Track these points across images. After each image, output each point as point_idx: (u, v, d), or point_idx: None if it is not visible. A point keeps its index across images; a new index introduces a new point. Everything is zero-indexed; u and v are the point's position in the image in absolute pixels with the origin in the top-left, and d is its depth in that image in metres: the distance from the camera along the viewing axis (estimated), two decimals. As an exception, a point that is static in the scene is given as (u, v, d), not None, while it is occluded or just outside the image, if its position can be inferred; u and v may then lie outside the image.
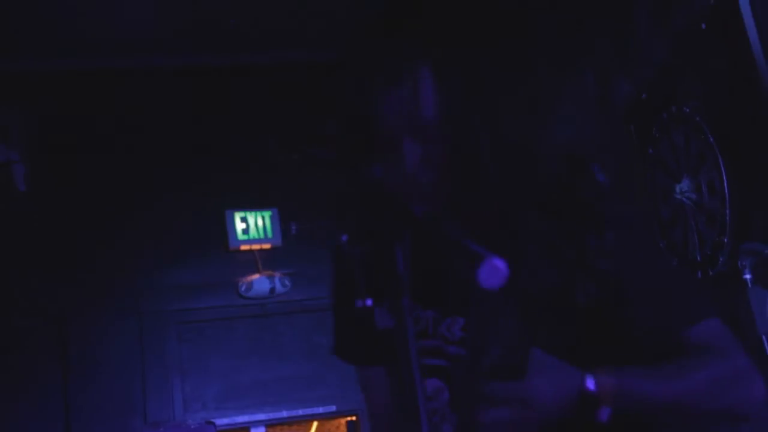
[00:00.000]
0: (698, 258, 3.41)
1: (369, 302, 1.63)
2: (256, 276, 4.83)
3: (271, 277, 4.84)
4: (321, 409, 4.77)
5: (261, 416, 4.68)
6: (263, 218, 4.93)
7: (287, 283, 4.86)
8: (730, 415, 1.48)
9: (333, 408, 4.78)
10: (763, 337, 3.16)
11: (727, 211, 3.32)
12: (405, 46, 1.55)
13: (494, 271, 1.25)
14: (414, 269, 1.34)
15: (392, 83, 1.55)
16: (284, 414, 4.71)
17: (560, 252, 1.47)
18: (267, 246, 4.92)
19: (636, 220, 1.60)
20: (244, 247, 4.89)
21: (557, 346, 1.42)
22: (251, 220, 4.91)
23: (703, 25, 3.36)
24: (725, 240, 3.31)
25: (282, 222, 4.93)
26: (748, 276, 3.13)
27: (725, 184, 3.34)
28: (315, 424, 5.06)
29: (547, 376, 1.37)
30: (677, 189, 3.56)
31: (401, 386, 1.33)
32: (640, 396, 1.39)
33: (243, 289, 4.80)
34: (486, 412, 1.37)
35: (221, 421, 4.54)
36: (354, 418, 4.85)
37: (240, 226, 4.89)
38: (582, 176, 1.53)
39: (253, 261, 4.88)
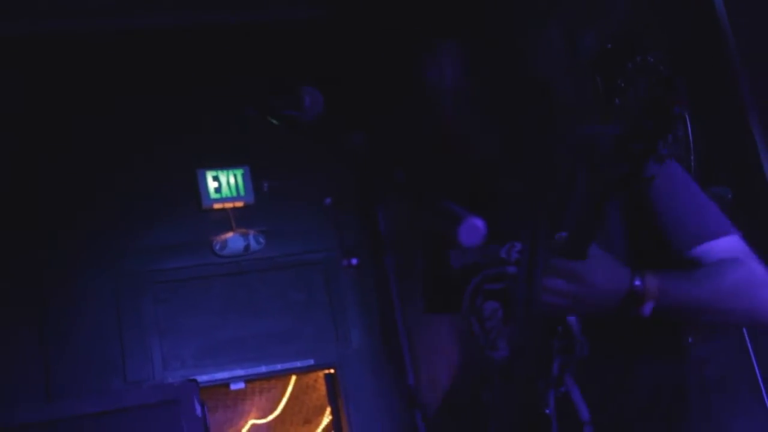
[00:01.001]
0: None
1: (354, 261, 1.78)
2: (230, 234, 4.93)
3: (245, 235, 4.94)
4: (299, 363, 4.90)
5: (240, 372, 4.81)
6: (235, 176, 5.02)
7: (261, 240, 4.97)
8: (751, 318, 1.74)
9: (311, 362, 4.92)
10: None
11: (692, 157, 3.45)
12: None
13: (473, 229, 1.41)
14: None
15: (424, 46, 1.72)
16: (263, 369, 4.84)
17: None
18: (240, 204, 5.02)
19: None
20: (217, 206, 4.98)
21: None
22: (223, 179, 5.00)
23: (665, -23, 3.48)
24: (690, 186, 3.45)
25: (254, 180, 5.02)
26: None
27: (689, 131, 3.47)
28: (293, 377, 5.21)
29: (603, 267, 1.58)
30: (642, 138, 3.68)
31: (388, 334, 1.50)
32: (678, 296, 1.62)
33: (217, 247, 4.91)
34: (548, 279, 1.57)
35: (201, 378, 4.61)
36: (332, 370, 5.00)
37: (212, 184, 4.98)
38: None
39: (226, 219, 4.98)
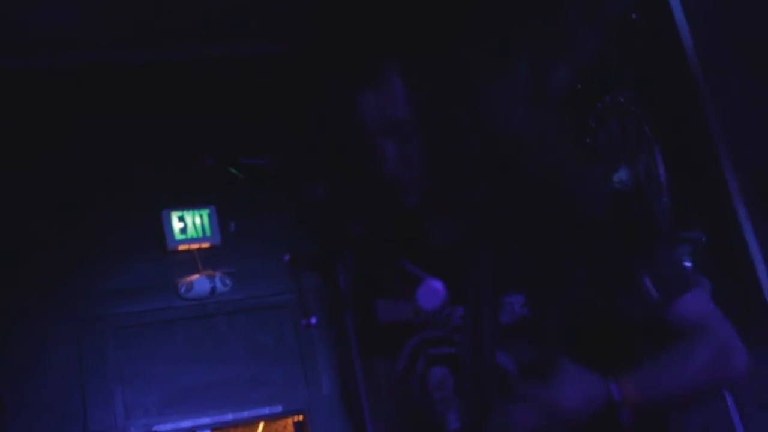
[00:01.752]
0: (637, 246, 3.56)
1: (313, 320, 1.77)
2: (196, 276, 4.89)
3: (211, 277, 4.91)
4: (267, 410, 4.85)
5: (206, 420, 4.75)
6: (201, 217, 4.99)
7: (228, 282, 4.94)
8: (723, 386, 1.77)
9: (279, 408, 4.87)
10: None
11: (665, 199, 3.48)
12: (367, 41, 1.67)
13: (432, 293, 1.38)
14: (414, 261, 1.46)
15: (360, 81, 1.68)
16: (229, 417, 4.79)
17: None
18: (206, 245, 4.99)
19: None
20: (182, 247, 4.95)
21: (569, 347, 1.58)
22: (189, 219, 4.97)
23: (634, 15, 3.52)
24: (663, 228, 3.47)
25: (221, 220, 5.00)
26: (688, 264, 3.29)
27: (661, 172, 3.50)
28: (261, 425, 5.15)
29: (574, 383, 1.50)
30: (615, 178, 3.71)
31: (350, 397, 1.48)
32: (658, 393, 1.55)
33: (183, 290, 4.88)
34: (513, 411, 1.50)
35: (165, 427, 4.61)
36: (301, 417, 4.95)
37: (177, 225, 4.95)
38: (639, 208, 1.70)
39: (192, 261, 4.95)
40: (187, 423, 4.70)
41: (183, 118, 4.99)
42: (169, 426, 4.61)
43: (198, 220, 4.98)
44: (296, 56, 1.82)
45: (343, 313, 1.65)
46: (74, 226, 4.81)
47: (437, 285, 1.38)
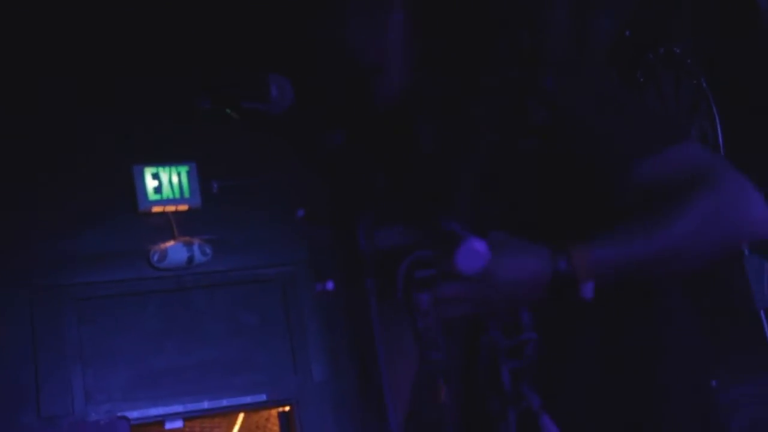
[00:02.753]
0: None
1: (330, 285, 1.72)
2: (170, 243, 4.84)
3: (188, 245, 4.85)
4: (249, 399, 4.82)
5: (178, 408, 4.71)
6: (179, 174, 4.93)
7: (208, 251, 4.88)
8: (732, 246, 1.56)
9: (263, 397, 4.83)
10: (761, 312, 3.29)
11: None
12: None
13: (473, 254, 1.33)
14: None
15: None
16: (205, 405, 4.75)
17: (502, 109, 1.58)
18: (184, 207, 4.93)
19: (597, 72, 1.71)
20: (156, 209, 4.89)
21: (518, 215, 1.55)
22: (164, 177, 4.90)
23: (697, -47, 3.45)
24: (720, 201, 3.42)
25: (201, 179, 4.93)
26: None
27: (719, 136, 3.44)
28: (241, 416, 5.13)
29: (511, 255, 1.46)
30: (665, 142, 3.66)
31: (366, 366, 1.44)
32: (624, 261, 1.47)
33: (156, 258, 4.81)
34: (442, 286, 1.46)
35: (131, 414, 4.57)
36: (287, 408, 4.92)
37: (151, 183, 4.88)
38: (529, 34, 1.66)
39: (167, 225, 4.89)
40: (156, 411, 4.69)
41: (164, 58, 4.89)
42: (136, 413, 4.58)
43: (175, 178, 4.93)
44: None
45: (364, 277, 1.60)
46: (31, 184, 4.73)
47: (479, 246, 1.35)
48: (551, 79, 1.53)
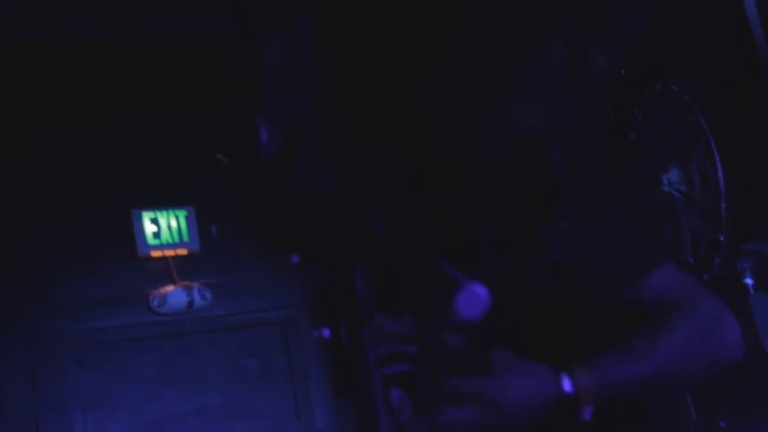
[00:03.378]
0: (691, 260, 3.50)
1: (326, 333, 1.69)
2: (170, 288, 4.81)
3: (188, 289, 4.83)
4: (251, 446, 4.79)
5: (179, 456, 4.69)
6: (177, 218, 4.91)
7: (208, 295, 4.86)
8: (715, 367, 1.60)
9: (266, 444, 4.80)
10: (768, 351, 3.27)
11: (723, 205, 3.41)
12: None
13: (474, 299, 1.31)
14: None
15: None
16: (207, 453, 4.72)
17: (512, 241, 1.59)
18: (183, 252, 4.91)
19: (597, 206, 1.69)
20: (155, 254, 4.87)
21: (520, 341, 1.54)
22: (163, 221, 4.88)
23: (692, -11, 3.44)
24: (721, 238, 3.39)
25: (200, 223, 4.92)
26: (749, 281, 3.23)
27: (720, 174, 3.43)
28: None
29: (517, 377, 1.48)
30: (665, 180, 3.64)
31: (366, 418, 1.41)
32: (621, 382, 1.51)
33: (155, 303, 4.79)
34: (446, 410, 1.47)
35: (132, 463, 4.55)
36: (290, 455, 4.88)
37: (150, 228, 4.86)
38: (535, 159, 1.66)
39: (166, 270, 4.86)
40: (158, 458, 4.64)
41: (160, 104, 4.91)
42: (137, 461, 4.55)
43: (174, 223, 4.91)
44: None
45: (361, 325, 1.58)
46: (30, 229, 4.71)
47: (480, 290, 1.32)
48: (566, 221, 1.58)
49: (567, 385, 1.48)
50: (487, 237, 1.62)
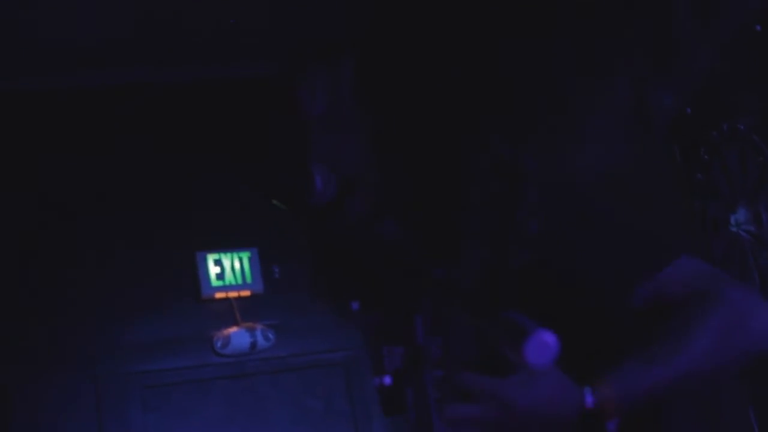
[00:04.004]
0: (760, 301, 3.43)
1: (387, 380, 1.68)
2: (233, 329, 4.82)
3: (251, 330, 4.83)
4: (314, 487, 4.76)
5: (243, 497, 4.67)
6: (241, 260, 4.93)
7: (270, 336, 4.86)
8: (749, 359, 1.53)
9: (328, 485, 4.78)
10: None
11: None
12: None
13: (543, 347, 1.28)
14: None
15: None
16: (270, 493, 4.70)
17: (491, 226, 1.58)
18: (246, 293, 4.92)
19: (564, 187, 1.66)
20: (219, 295, 4.88)
21: None
22: (227, 263, 4.91)
23: (758, 27, 3.40)
24: (792, 279, 3.33)
25: (263, 264, 4.93)
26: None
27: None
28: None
29: (538, 383, 1.44)
30: (732, 220, 3.58)
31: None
32: (646, 391, 1.46)
33: (219, 344, 4.79)
34: (453, 406, 1.45)
35: (196, 504, 4.54)
36: (354, 496, 4.84)
37: (214, 270, 4.88)
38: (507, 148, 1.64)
39: (230, 311, 4.87)
40: (221, 500, 4.63)
41: (223, 148, 4.94)
42: (201, 503, 4.54)
43: (237, 264, 4.93)
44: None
45: (422, 372, 1.56)
46: (96, 271, 4.76)
47: (549, 338, 1.30)
48: (536, 194, 1.53)
49: (590, 400, 1.44)
50: (468, 230, 1.60)
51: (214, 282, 4.88)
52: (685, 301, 1.50)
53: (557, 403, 1.44)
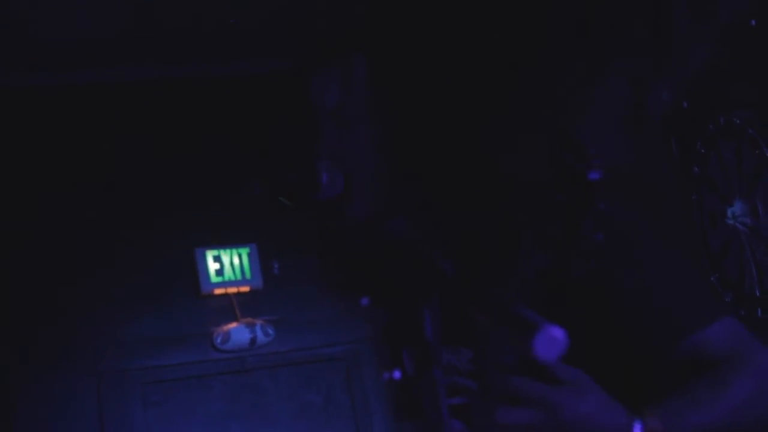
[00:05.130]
0: (757, 293, 3.45)
1: (397, 374, 1.69)
2: (233, 325, 4.81)
3: (251, 326, 4.83)
4: (314, 482, 4.77)
5: (243, 492, 4.68)
6: (240, 256, 4.92)
7: (270, 331, 4.85)
8: (763, 423, 1.59)
9: (328, 480, 4.78)
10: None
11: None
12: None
13: (551, 341, 1.30)
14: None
15: None
16: (271, 488, 4.71)
17: (552, 233, 1.56)
18: (245, 289, 4.91)
19: (658, 242, 1.68)
20: (218, 291, 4.87)
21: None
22: (226, 259, 4.90)
23: (753, 22, 3.41)
24: (788, 271, 3.35)
25: (262, 260, 4.92)
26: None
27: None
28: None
29: (592, 399, 1.47)
30: (729, 213, 3.59)
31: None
32: (694, 428, 1.51)
33: (219, 340, 4.79)
34: (504, 410, 1.46)
35: (198, 499, 4.55)
36: (353, 492, 4.85)
37: (213, 266, 4.88)
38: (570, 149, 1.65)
39: (229, 307, 4.87)
40: (222, 494, 4.64)
41: (224, 143, 4.95)
42: (202, 498, 4.54)
43: (236, 260, 4.92)
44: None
45: (430, 367, 1.57)
46: (95, 268, 4.75)
47: (557, 332, 1.32)
48: (606, 203, 1.55)
49: (638, 427, 1.47)
50: (527, 235, 1.62)
51: (214, 278, 4.88)
52: (723, 360, 1.57)
53: (604, 422, 1.47)
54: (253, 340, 4.83)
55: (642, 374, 1.61)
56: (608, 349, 1.58)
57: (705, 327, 1.58)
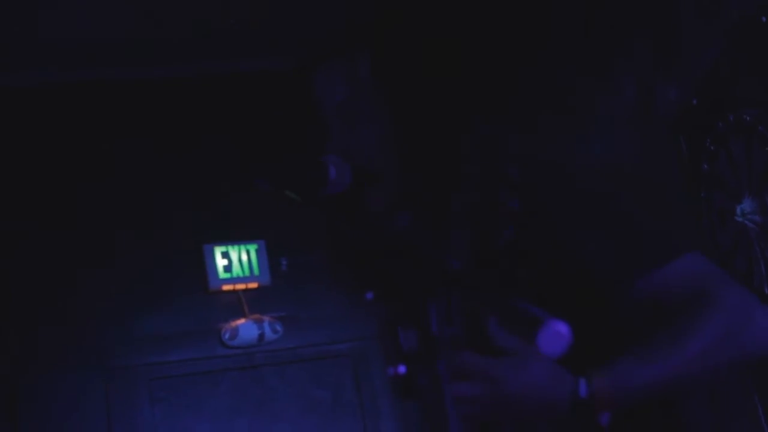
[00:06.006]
0: (766, 290, 3.43)
1: (402, 369, 1.69)
2: (241, 321, 4.82)
3: (259, 322, 4.83)
4: (322, 477, 4.76)
5: (251, 488, 4.67)
6: (248, 253, 4.93)
7: (278, 328, 4.86)
8: (745, 363, 1.54)
9: (336, 476, 4.78)
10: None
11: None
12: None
13: (556, 336, 1.30)
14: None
15: None
16: (279, 484, 4.70)
17: (479, 209, 1.60)
18: (253, 285, 4.92)
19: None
20: (226, 288, 4.88)
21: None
22: (234, 256, 4.90)
23: (764, 18, 3.39)
24: (798, 269, 3.32)
25: (270, 257, 4.93)
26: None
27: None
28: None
29: (534, 366, 1.45)
30: (738, 210, 3.57)
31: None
32: (641, 388, 1.47)
33: (227, 336, 4.79)
34: (452, 384, 1.46)
35: (205, 494, 4.55)
36: (361, 488, 4.84)
37: (221, 262, 4.88)
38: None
39: (237, 303, 4.87)
40: (229, 491, 4.63)
41: (231, 140, 4.95)
42: (209, 494, 4.54)
43: (244, 257, 4.93)
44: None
45: (436, 362, 1.58)
46: (102, 266, 4.76)
47: (561, 327, 1.33)
48: (516, 169, 1.54)
49: (584, 390, 1.45)
50: (456, 212, 1.63)
51: (222, 274, 4.88)
52: (685, 302, 1.49)
53: (549, 388, 1.45)
54: (261, 337, 4.84)
55: (597, 327, 1.56)
56: (569, 304, 1.51)
57: (663, 265, 1.51)
